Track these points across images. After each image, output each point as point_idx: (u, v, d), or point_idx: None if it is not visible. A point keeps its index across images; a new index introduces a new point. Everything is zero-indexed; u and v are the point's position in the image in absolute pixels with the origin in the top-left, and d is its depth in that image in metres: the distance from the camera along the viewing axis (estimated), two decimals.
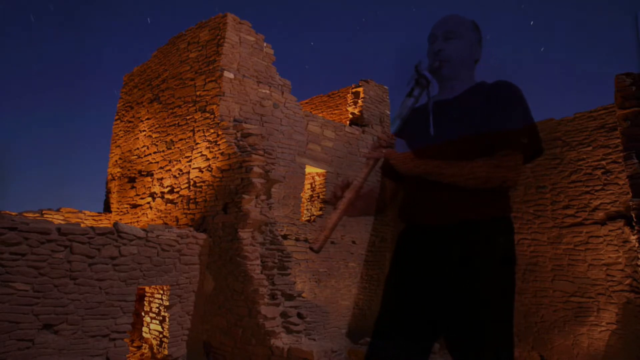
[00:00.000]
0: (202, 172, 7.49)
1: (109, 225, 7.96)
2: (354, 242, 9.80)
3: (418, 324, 1.48)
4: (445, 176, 1.41)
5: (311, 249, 1.44)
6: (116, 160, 10.25)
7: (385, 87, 11.36)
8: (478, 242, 1.42)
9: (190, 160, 7.83)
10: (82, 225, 5.58)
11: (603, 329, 7.51)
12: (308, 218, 9.55)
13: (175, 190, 8.04)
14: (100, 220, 9.73)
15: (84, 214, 9.48)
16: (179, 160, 8.10)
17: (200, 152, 7.63)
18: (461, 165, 1.40)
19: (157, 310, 6.63)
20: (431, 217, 1.49)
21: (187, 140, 8.02)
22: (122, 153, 10.03)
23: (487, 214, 1.43)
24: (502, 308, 1.40)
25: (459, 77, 1.59)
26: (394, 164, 1.51)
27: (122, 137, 10.20)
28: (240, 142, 7.12)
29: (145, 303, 6.95)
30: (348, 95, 11.19)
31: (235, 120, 7.62)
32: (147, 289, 6.90)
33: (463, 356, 1.41)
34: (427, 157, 1.45)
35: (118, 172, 10.02)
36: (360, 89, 10.81)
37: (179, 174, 8.05)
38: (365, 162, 1.51)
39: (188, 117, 8.12)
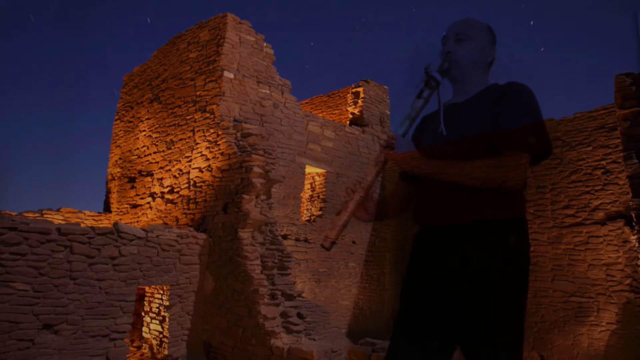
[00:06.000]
0: (202, 172, 7.49)
1: (109, 225, 7.96)
2: (354, 242, 9.79)
3: (435, 326, 1.48)
4: (446, 176, 1.41)
5: (322, 246, 1.44)
6: (116, 160, 10.25)
7: (385, 87, 11.36)
8: (491, 243, 1.42)
9: (190, 160, 7.83)
10: (82, 225, 5.57)
11: (603, 329, 7.50)
12: (308, 218, 9.55)
13: (175, 190, 8.04)
14: (100, 220, 9.73)
15: (84, 214, 9.48)
16: (179, 160, 8.10)
17: (200, 152, 7.63)
18: (461, 165, 1.39)
19: (157, 310, 6.63)
20: (445, 218, 1.48)
21: (187, 140, 8.02)
22: (122, 153, 10.03)
23: (500, 214, 1.43)
24: (514, 308, 1.41)
25: (469, 79, 1.59)
26: (399, 163, 1.51)
27: (122, 137, 10.19)
28: (240, 142, 7.12)
29: (145, 303, 6.95)
30: (348, 95, 11.19)
31: (235, 120, 7.62)
32: (147, 289, 6.90)
33: (477, 356, 1.41)
34: (433, 157, 1.45)
35: (118, 172, 10.02)
36: (360, 89, 10.81)
37: (179, 174, 8.04)
38: (374, 163, 1.50)
39: (188, 117, 8.12)
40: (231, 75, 7.75)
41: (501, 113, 1.44)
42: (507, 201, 1.44)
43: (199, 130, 7.79)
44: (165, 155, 8.53)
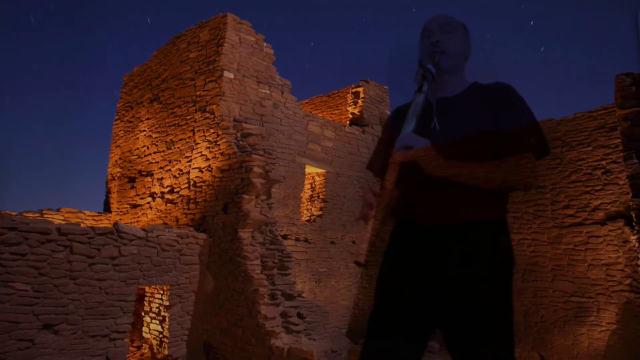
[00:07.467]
0: (202, 172, 7.49)
1: (109, 225, 7.96)
2: (354, 242, 9.79)
3: (415, 324, 1.47)
4: (447, 176, 1.40)
5: (357, 263, 1.43)
6: (116, 160, 10.25)
7: (385, 87, 11.36)
8: (474, 243, 1.41)
9: (190, 160, 7.83)
10: (82, 225, 5.57)
11: (603, 329, 7.50)
12: (308, 218, 9.55)
13: (175, 190, 8.04)
14: (100, 220, 9.73)
15: (84, 214, 9.48)
16: (179, 160, 8.09)
17: (200, 152, 7.63)
18: (462, 165, 1.39)
19: (157, 310, 6.63)
20: (428, 217, 1.47)
21: (187, 140, 8.02)
22: (122, 153, 10.03)
23: (481, 215, 1.43)
24: (501, 308, 1.40)
25: (454, 71, 1.59)
26: (400, 163, 1.48)
27: (122, 137, 10.19)
28: (240, 142, 7.12)
29: (145, 303, 6.95)
30: (348, 95, 11.19)
31: (235, 120, 7.61)
32: (147, 289, 6.89)
33: (462, 356, 1.40)
34: (435, 156, 1.42)
35: (118, 172, 10.02)
36: (360, 89, 10.81)
37: (179, 174, 8.04)
38: (391, 167, 1.47)
39: (188, 117, 8.12)
40: (231, 75, 7.74)
41: (501, 114, 1.43)
42: (489, 203, 1.43)
43: (199, 130, 7.79)
44: (165, 155, 8.53)
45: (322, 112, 12.08)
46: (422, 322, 1.46)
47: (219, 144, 7.28)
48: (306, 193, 9.79)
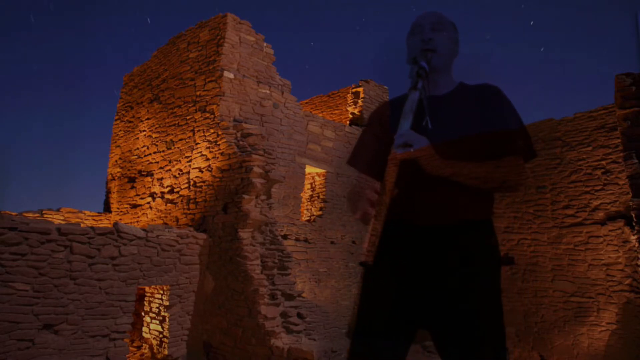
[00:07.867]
0: (202, 172, 7.49)
1: (109, 225, 7.96)
2: (354, 242, 9.79)
3: (404, 322, 1.46)
4: (446, 175, 1.40)
5: (362, 263, 1.43)
6: (116, 160, 10.25)
7: (385, 87, 11.36)
8: (473, 243, 1.41)
9: (190, 160, 7.83)
10: (82, 225, 5.57)
11: (603, 329, 7.50)
12: (308, 218, 9.55)
13: (175, 190, 8.04)
14: (100, 220, 9.73)
15: (84, 214, 9.48)
16: (179, 160, 8.10)
17: (200, 152, 7.63)
18: (461, 165, 1.39)
19: (157, 310, 6.63)
20: (426, 216, 1.46)
21: (187, 140, 8.02)
22: (122, 153, 10.03)
23: (480, 215, 1.43)
24: (490, 308, 1.40)
25: (443, 70, 1.57)
26: (398, 162, 1.48)
27: (122, 137, 10.20)
28: (240, 142, 7.12)
29: (145, 303, 6.95)
30: (348, 95, 11.19)
31: (235, 120, 7.62)
32: (147, 289, 6.89)
33: (451, 355, 1.40)
34: (442, 154, 1.41)
35: (118, 172, 10.02)
36: (360, 89, 10.81)
37: (179, 174, 8.04)
38: (393, 164, 1.47)
39: (188, 117, 8.12)
40: (231, 75, 7.74)
41: (492, 115, 1.45)
42: (475, 204, 1.44)
43: (199, 130, 7.79)
44: (165, 155, 8.53)
45: (322, 112, 12.08)
46: (417, 322, 1.45)
47: (219, 144, 7.28)
48: (306, 193, 9.79)
